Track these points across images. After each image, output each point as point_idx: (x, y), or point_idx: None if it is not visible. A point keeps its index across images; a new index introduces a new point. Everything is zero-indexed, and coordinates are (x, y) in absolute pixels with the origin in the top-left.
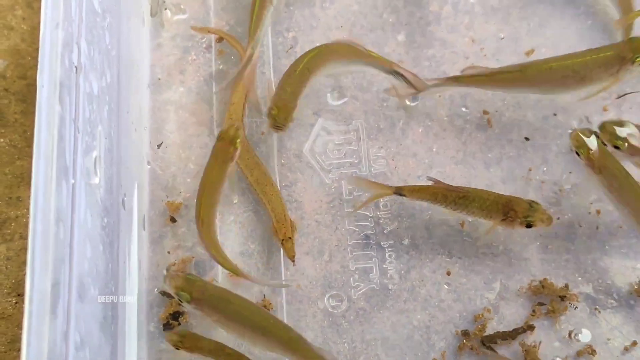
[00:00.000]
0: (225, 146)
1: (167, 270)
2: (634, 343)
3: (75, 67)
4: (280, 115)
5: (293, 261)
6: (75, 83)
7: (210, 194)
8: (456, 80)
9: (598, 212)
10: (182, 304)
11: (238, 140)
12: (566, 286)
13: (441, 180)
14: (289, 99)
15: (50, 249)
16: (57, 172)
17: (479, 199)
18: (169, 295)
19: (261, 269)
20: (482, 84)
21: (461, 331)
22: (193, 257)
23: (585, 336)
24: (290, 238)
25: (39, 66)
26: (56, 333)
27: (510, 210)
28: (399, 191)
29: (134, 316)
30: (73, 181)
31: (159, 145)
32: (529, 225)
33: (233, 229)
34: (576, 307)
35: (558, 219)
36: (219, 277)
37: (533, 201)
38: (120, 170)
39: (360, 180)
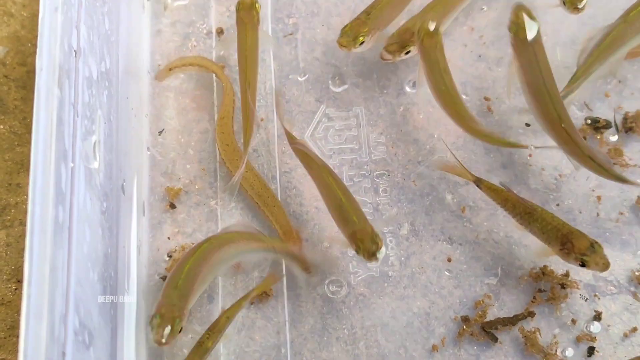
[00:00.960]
0: (247, 13)
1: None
2: (634, 329)
3: (75, 51)
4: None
5: (309, 272)
6: (74, 67)
7: (252, 59)
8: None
9: (599, 198)
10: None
11: (257, 5)
12: (567, 274)
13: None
14: None
15: (49, 232)
16: (56, 155)
17: (541, 221)
18: None
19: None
20: (601, 60)
21: (461, 317)
22: (193, 244)
23: (596, 327)
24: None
25: (37, 49)
26: (55, 316)
27: (568, 242)
28: (477, 182)
29: (134, 301)
30: (72, 165)
31: (160, 132)
32: (583, 265)
33: (235, 215)
34: (586, 299)
35: (558, 205)
36: None
37: (596, 242)
38: (120, 156)
39: (447, 165)
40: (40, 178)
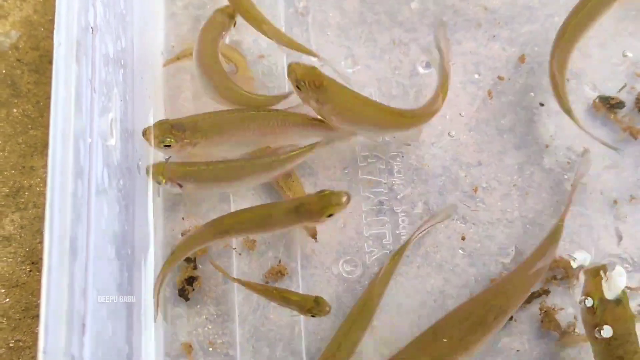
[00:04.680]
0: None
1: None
2: None
3: (92, 28)
4: None
5: (315, 239)
6: (91, 44)
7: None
8: None
9: (612, 177)
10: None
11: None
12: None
13: (455, 146)
14: None
15: (69, 205)
16: (74, 130)
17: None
18: (187, 260)
19: (276, 234)
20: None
21: None
22: None
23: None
24: None
25: (55, 25)
26: (75, 289)
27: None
28: None
29: (150, 281)
30: (90, 140)
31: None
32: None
33: (247, 196)
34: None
35: (572, 185)
36: (233, 242)
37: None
38: (135, 135)
39: None
40: (59, 151)
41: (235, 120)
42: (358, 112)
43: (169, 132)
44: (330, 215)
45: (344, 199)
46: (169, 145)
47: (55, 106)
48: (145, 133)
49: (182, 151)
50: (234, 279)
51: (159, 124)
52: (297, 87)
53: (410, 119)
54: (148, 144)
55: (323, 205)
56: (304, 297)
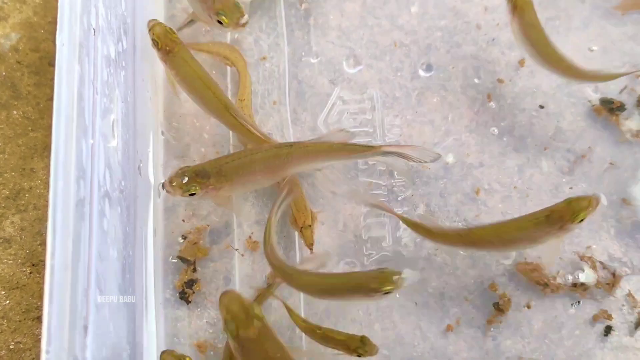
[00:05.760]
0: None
1: None
2: None
3: (94, 29)
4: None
5: (311, 249)
6: (93, 45)
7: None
8: None
9: (611, 181)
10: None
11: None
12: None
13: (457, 147)
14: None
15: (71, 206)
16: (77, 131)
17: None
18: (185, 261)
19: (276, 237)
20: None
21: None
22: (208, 226)
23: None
24: (309, 226)
25: (58, 26)
26: (77, 290)
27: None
28: None
29: (151, 283)
30: (92, 141)
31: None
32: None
33: (249, 198)
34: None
35: (571, 188)
36: (235, 244)
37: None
38: (136, 137)
39: None
40: (62, 153)
41: (258, 161)
42: (193, 86)
43: (193, 180)
44: (581, 221)
45: (594, 201)
46: (194, 193)
47: (58, 107)
48: (171, 183)
49: (206, 196)
50: (291, 312)
51: (182, 173)
52: (153, 46)
53: (231, 109)
54: (171, 195)
55: (574, 210)
56: (350, 336)
